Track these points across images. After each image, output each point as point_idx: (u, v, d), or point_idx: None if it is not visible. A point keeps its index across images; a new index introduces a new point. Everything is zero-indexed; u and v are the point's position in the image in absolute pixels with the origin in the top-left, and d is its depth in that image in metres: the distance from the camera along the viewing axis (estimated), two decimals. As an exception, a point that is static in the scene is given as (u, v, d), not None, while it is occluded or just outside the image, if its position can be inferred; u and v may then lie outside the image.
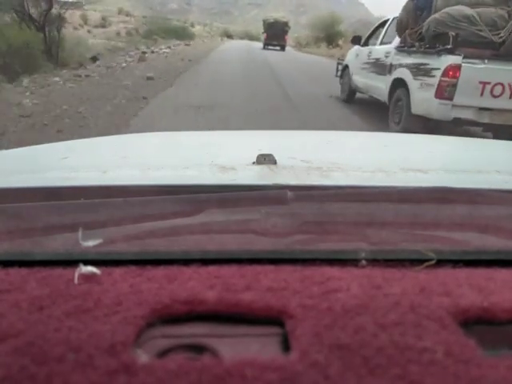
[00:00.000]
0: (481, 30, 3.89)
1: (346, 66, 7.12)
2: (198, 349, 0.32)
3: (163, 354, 0.32)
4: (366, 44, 6.52)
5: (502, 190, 0.67)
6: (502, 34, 3.86)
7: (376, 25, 6.64)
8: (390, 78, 5.06)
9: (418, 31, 4.53)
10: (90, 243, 0.45)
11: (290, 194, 0.56)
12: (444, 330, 0.33)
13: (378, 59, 5.61)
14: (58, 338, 0.32)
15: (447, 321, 0.34)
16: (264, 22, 22.21)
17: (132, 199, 0.60)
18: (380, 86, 5.40)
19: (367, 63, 6.03)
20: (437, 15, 4.15)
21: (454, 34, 3.90)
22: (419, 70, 4.36)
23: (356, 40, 6.81)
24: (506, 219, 0.62)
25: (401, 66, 4.81)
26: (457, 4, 4.09)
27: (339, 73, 7.63)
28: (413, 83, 4.43)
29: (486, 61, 3.87)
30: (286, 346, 0.33)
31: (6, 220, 0.58)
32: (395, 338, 0.32)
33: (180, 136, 1.38)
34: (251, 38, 55.86)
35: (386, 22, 6.12)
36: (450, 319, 0.35)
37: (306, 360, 0.30)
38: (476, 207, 0.63)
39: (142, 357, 0.31)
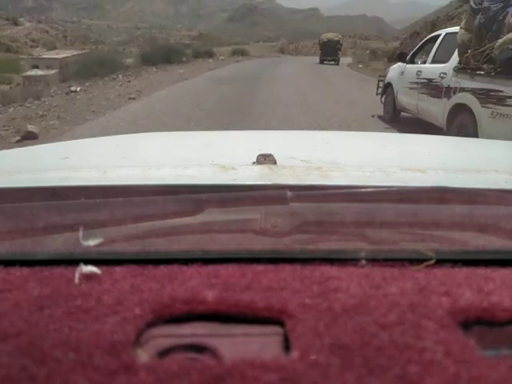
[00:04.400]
0: None
1: (389, 84, 6.63)
2: (199, 349, 0.32)
3: (163, 353, 0.32)
4: (411, 61, 6.03)
5: (501, 190, 0.67)
6: None
7: (424, 40, 6.18)
8: (448, 103, 4.55)
9: (485, 52, 3.93)
10: (91, 243, 0.45)
11: (289, 193, 0.56)
12: (443, 330, 0.33)
13: (430, 80, 5.08)
14: (58, 338, 0.32)
15: (446, 320, 0.35)
16: (319, 41, 25.60)
17: (132, 199, 0.60)
18: (435, 110, 4.91)
19: (416, 83, 5.49)
20: None
21: None
22: (489, 98, 3.82)
23: (400, 57, 6.37)
24: (505, 219, 0.62)
25: (463, 90, 4.26)
26: None
27: (380, 90, 7.15)
28: (481, 112, 3.91)
29: None
30: (286, 345, 0.33)
31: (6, 220, 0.59)
32: (395, 337, 0.32)
33: (180, 136, 1.38)
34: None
35: (436, 37, 5.61)
36: (449, 319, 0.35)
37: (306, 360, 0.30)
38: (475, 207, 0.63)
39: (143, 356, 0.31)
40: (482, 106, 3.92)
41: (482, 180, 0.72)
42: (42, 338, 0.32)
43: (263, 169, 0.72)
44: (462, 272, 0.42)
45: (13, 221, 0.59)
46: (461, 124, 4.32)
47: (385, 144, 1.13)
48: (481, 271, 0.43)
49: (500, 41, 3.73)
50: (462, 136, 4.11)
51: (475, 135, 3.95)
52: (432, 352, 0.31)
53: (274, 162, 0.76)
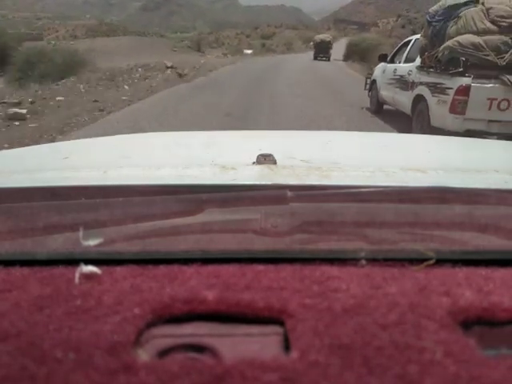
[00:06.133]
0: (487, 55, 4.49)
1: (374, 81, 7.79)
2: (199, 348, 0.32)
3: (164, 353, 0.32)
4: (391, 61, 7.24)
5: (501, 190, 0.67)
6: (505, 58, 4.43)
7: (400, 44, 7.41)
8: (412, 94, 5.75)
9: (435, 55, 5.14)
10: (91, 243, 0.45)
11: (289, 193, 0.56)
12: (443, 330, 0.33)
13: (402, 76, 6.32)
14: (58, 338, 0.32)
15: (446, 320, 0.35)
16: (313, 41, 31.46)
17: (133, 199, 0.60)
18: (404, 101, 6.11)
19: (393, 79, 6.73)
20: (449, 43, 4.76)
21: (463, 59, 4.55)
22: (436, 89, 5.03)
23: (382, 57, 7.62)
24: (505, 219, 0.62)
25: (421, 83, 5.49)
26: (466, 33, 4.67)
27: (367, 86, 8.33)
28: (431, 100, 5.10)
29: (492, 80, 4.49)
30: (286, 345, 0.33)
31: (6, 220, 0.59)
32: (395, 337, 0.32)
33: (181, 136, 1.38)
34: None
35: (409, 41, 6.82)
36: (449, 319, 0.35)
37: (306, 360, 0.30)
38: (475, 207, 0.64)
39: (143, 356, 0.31)
40: (432, 96, 5.08)
41: (482, 180, 0.72)
42: (42, 338, 0.32)
43: (263, 169, 0.72)
44: (462, 272, 0.42)
45: (13, 221, 0.59)
46: (419, 110, 5.49)
47: (385, 144, 1.14)
48: (481, 271, 0.43)
49: (442, 46, 4.93)
50: (420, 119, 5.47)
51: (428, 119, 5.11)
52: (432, 352, 0.31)
53: (274, 162, 0.76)
